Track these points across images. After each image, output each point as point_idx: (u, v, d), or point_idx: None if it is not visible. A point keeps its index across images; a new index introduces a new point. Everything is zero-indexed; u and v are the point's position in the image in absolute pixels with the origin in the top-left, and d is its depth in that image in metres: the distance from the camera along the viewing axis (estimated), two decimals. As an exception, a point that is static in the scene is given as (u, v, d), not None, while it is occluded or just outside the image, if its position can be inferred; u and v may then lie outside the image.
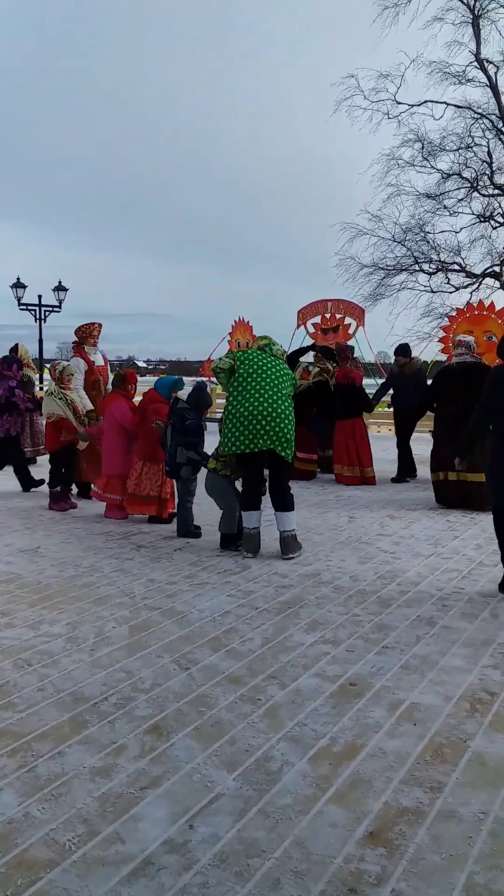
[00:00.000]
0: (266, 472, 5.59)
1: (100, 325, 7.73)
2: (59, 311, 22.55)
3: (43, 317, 22.22)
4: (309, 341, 15.20)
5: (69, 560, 5.29)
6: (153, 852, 2.11)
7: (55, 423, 7.13)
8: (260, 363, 5.40)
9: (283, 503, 5.47)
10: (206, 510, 6.46)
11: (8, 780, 2.48)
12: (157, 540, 5.99)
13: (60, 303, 22.32)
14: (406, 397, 9.09)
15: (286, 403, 5.36)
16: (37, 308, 22.11)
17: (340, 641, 3.73)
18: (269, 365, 5.41)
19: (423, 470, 9.54)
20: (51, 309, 22.33)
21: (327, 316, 16.32)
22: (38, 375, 10.73)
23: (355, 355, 9.22)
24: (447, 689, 3.17)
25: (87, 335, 7.62)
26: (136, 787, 2.44)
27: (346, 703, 3.04)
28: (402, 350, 9.33)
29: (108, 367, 8.03)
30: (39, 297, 22.12)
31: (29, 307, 22.01)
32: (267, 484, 5.64)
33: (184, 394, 6.65)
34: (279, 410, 5.28)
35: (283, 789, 2.41)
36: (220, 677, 3.29)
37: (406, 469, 9.35)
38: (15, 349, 10.78)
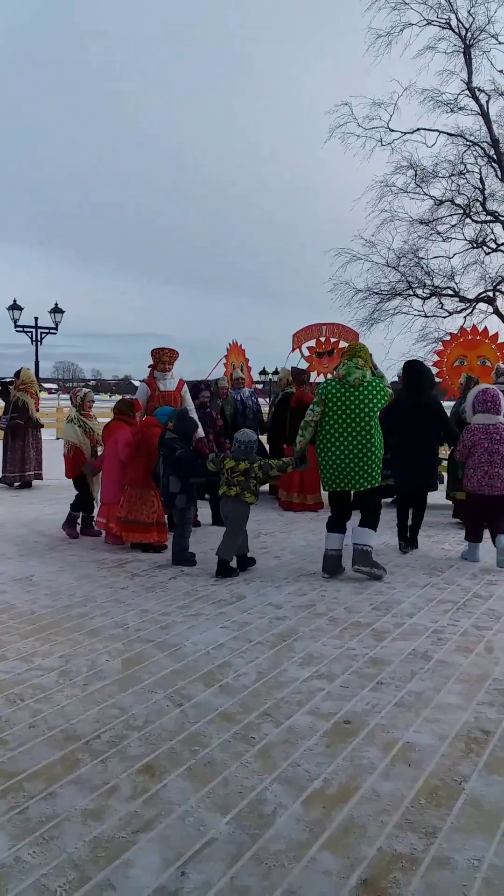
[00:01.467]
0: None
1: (171, 352, 7.57)
2: (55, 333, 22.65)
3: (39, 338, 22.30)
4: (304, 364, 15.26)
5: (63, 589, 5.27)
6: (145, 901, 2.08)
7: (73, 449, 7.11)
8: (339, 399, 5.56)
9: (363, 520, 5.75)
10: (200, 538, 6.45)
11: (-1, 822, 2.46)
12: (152, 568, 5.98)
13: (57, 325, 22.41)
14: None
15: (367, 438, 5.53)
16: (33, 330, 22.20)
17: (335, 677, 3.71)
18: (349, 399, 5.55)
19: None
20: (47, 331, 22.42)
21: (322, 339, 16.40)
22: (34, 400, 10.65)
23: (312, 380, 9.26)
24: (442, 728, 3.15)
25: (157, 360, 7.57)
26: (129, 830, 2.42)
27: (340, 742, 3.02)
28: None
29: (184, 390, 7.77)
30: (36, 319, 22.24)
31: (25, 329, 22.09)
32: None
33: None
34: (363, 449, 5.53)
35: (276, 834, 2.39)
36: (213, 714, 3.27)
37: None
38: (18, 374, 10.82)
